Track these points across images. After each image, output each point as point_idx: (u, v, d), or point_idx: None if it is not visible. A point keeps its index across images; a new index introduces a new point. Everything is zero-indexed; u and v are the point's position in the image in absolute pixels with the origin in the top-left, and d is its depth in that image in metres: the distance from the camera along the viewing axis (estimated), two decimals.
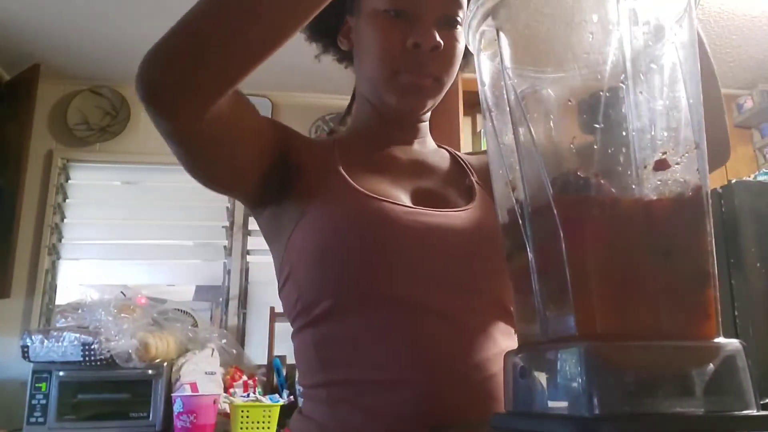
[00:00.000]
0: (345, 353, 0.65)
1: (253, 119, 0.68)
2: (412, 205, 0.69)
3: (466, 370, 0.63)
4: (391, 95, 0.72)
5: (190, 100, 0.55)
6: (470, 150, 1.79)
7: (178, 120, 0.56)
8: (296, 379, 2.16)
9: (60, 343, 1.99)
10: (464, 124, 2.42)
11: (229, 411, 2.04)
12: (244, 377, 2.23)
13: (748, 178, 2.14)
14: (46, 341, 2.00)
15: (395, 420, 0.61)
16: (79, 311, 2.11)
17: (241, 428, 1.97)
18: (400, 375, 0.63)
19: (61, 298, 2.54)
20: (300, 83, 2.71)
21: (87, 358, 1.98)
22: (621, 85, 0.38)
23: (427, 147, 0.81)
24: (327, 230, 0.66)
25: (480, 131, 2.63)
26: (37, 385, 2.01)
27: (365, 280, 0.65)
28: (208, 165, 0.65)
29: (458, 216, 0.70)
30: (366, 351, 0.64)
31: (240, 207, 2.74)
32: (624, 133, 0.37)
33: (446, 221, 0.68)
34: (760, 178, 2.14)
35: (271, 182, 0.71)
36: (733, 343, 0.35)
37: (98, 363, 1.99)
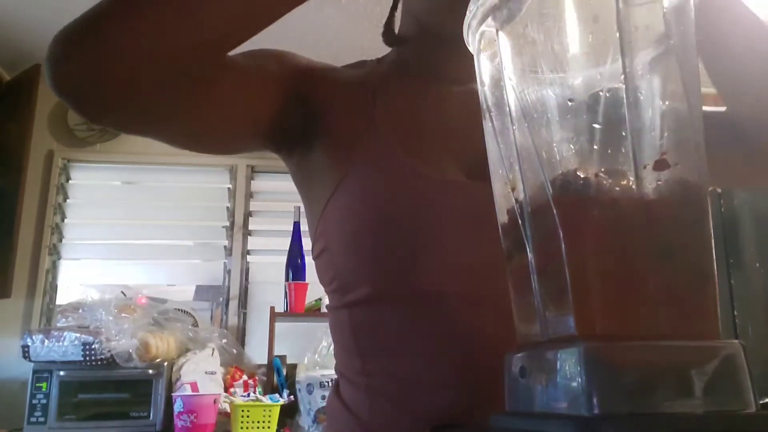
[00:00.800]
0: (386, 343, 0.60)
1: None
2: (464, 179, 0.60)
3: None
4: (453, 18, 0.57)
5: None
6: None
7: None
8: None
9: (60, 343, 1.99)
10: None
11: (229, 411, 2.04)
12: (245, 377, 2.23)
13: None
14: (46, 341, 2.00)
15: (442, 420, 0.55)
16: (80, 311, 2.11)
17: (242, 428, 1.97)
18: (450, 371, 0.57)
19: (62, 298, 2.54)
20: None
21: (87, 358, 1.98)
22: (621, 85, 0.38)
23: None
24: (364, 213, 0.59)
25: None
26: (37, 384, 2.01)
27: (407, 275, 0.58)
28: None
29: None
30: (411, 344, 0.58)
31: (240, 207, 2.74)
32: (624, 133, 0.37)
33: None
34: None
35: (286, 130, 0.64)
36: (732, 343, 0.35)
37: (99, 363, 1.99)
